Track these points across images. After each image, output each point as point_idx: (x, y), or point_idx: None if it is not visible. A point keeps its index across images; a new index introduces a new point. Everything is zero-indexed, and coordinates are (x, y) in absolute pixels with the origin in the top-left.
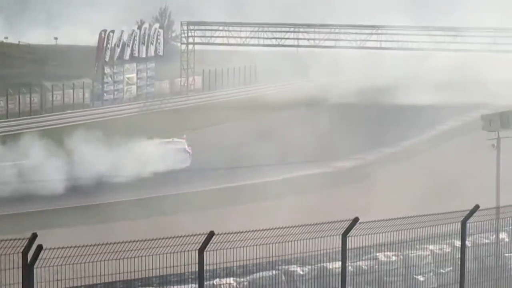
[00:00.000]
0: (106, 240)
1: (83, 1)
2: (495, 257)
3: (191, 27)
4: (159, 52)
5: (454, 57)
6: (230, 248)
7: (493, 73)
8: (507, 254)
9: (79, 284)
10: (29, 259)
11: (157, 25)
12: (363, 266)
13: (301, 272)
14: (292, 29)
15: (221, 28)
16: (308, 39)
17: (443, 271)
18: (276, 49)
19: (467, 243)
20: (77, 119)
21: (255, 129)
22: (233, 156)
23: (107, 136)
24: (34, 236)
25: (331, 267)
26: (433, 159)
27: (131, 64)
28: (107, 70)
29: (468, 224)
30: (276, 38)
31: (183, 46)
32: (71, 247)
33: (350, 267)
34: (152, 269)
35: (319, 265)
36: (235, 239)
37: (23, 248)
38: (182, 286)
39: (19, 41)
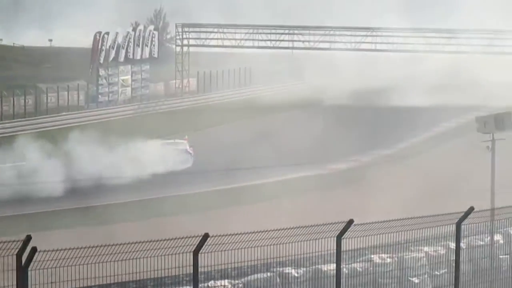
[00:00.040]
0: (105, 242)
1: (78, 3)
2: (490, 259)
3: (186, 29)
4: (154, 54)
5: (448, 59)
6: (225, 250)
7: (488, 75)
8: (501, 256)
9: (73, 286)
10: (23, 261)
11: (152, 27)
12: (358, 268)
13: (296, 274)
14: (287, 31)
15: (216, 30)
16: (303, 41)
17: (438, 273)
18: (271, 51)
19: (462, 245)
20: (72, 121)
21: (250, 131)
22: (228, 158)
23: (106, 138)
24: (29, 238)
25: (326, 269)
26: (428, 161)
27: (126, 66)
28: (102, 72)
29: (462, 226)
30: (271, 40)
31: (178, 48)
32: (65, 249)
33: (345, 269)
34: (147, 271)
35: (314, 267)
36: (230, 241)
37: (17, 250)
38: None
39: (13, 43)
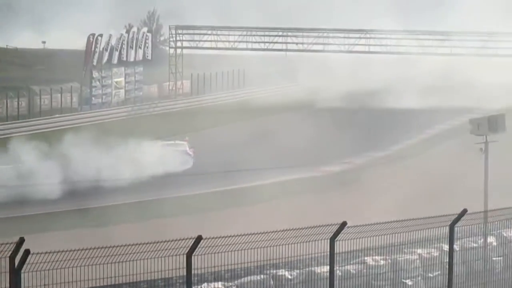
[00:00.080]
0: (102, 244)
1: (71, 5)
2: (483, 261)
3: (180, 31)
4: (147, 56)
5: (442, 61)
6: (218, 252)
7: (481, 77)
8: (495, 258)
9: None
10: (16, 264)
11: (145, 29)
12: (352, 270)
13: (290, 277)
14: (280, 33)
15: (209, 32)
16: (297, 43)
17: (431, 275)
18: (265, 53)
19: (455, 247)
20: (66, 123)
21: (244, 133)
22: (222, 160)
23: (102, 139)
24: (22, 240)
25: (319, 271)
26: (422, 163)
27: (119, 68)
28: (95, 74)
29: (456, 228)
30: (264, 42)
31: (172, 50)
32: (58, 251)
33: (338, 271)
34: (140, 273)
35: (307, 269)
36: (223, 244)
37: (10, 252)
38: None
39: (6, 45)
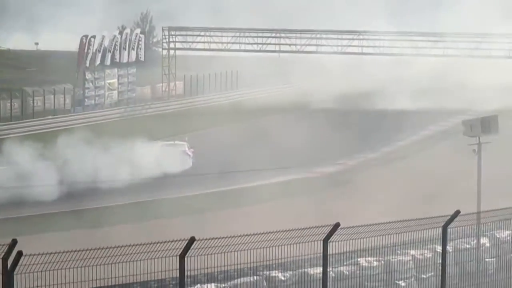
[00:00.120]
0: (98, 245)
1: (64, 6)
2: (476, 262)
3: (172, 33)
4: (140, 57)
5: (435, 63)
6: (211, 254)
7: (474, 78)
8: (487, 259)
9: None
10: (9, 265)
11: (138, 31)
12: (345, 272)
13: (283, 278)
14: (273, 34)
15: (202, 33)
16: (290, 44)
17: (425, 276)
18: (258, 54)
19: (448, 248)
20: (59, 125)
21: (237, 135)
22: (215, 161)
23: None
24: (14, 242)
25: (312, 272)
26: (415, 164)
27: (112, 69)
28: (88, 75)
29: (449, 229)
30: (257, 44)
31: (165, 52)
32: (51, 253)
33: (331, 273)
34: (133, 275)
35: (300, 270)
36: (216, 245)
37: (3, 254)
38: None
39: None
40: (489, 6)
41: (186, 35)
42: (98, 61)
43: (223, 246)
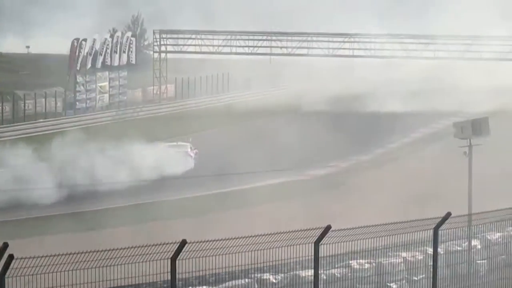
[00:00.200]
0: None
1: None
2: (467, 264)
3: (164, 35)
4: (131, 60)
5: (426, 65)
6: (203, 257)
7: (465, 80)
8: (479, 261)
9: None
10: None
11: (129, 34)
12: (336, 274)
13: (274, 280)
14: (264, 37)
15: (193, 36)
16: (281, 47)
17: (416, 279)
18: (249, 57)
19: (440, 250)
20: (50, 128)
21: (228, 137)
22: (207, 164)
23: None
24: (5, 245)
25: (304, 275)
26: (407, 166)
27: (104, 72)
28: (80, 78)
29: (440, 231)
30: (248, 46)
31: (156, 55)
32: (43, 256)
33: (323, 275)
34: (125, 278)
35: (292, 273)
36: (208, 248)
37: None
38: None
39: None
40: (480, 9)
41: (177, 38)
42: (89, 64)
43: (214, 248)
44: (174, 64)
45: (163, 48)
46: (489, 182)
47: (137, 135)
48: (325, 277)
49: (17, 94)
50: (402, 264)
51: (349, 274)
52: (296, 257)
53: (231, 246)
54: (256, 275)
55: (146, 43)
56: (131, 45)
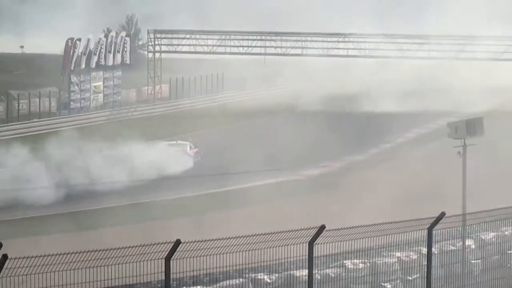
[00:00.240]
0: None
1: (49, 9)
2: (462, 264)
3: (158, 35)
4: (126, 60)
5: (421, 65)
6: (197, 256)
7: (460, 80)
8: (473, 261)
9: None
10: None
11: (123, 33)
12: (331, 274)
13: (269, 280)
14: (259, 37)
15: (188, 36)
16: (275, 47)
17: (410, 278)
18: (244, 57)
19: (434, 250)
20: (45, 128)
21: (223, 137)
22: (201, 164)
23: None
24: None
25: (298, 274)
26: (401, 166)
27: (98, 72)
28: (74, 78)
29: (434, 231)
30: (243, 46)
31: (150, 54)
32: (37, 256)
33: (317, 275)
34: (119, 278)
35: (286, 273)
36: (202, 247)
37: None
38: None
39: None
40: (474, 9)
41: (172, 38)
42: (83, 64)
43: (209, 248)
44: (169, 64)
45: (157, 48)
46: (483, 182)
47: (132, 135)
48: (319, 277)
49: (11, 94)
50: (396, 264)
51: (344, 274)
52: (290, 257)
53: (226, 246)
54: (250, 275)
55: (140, 43)
56: (125, 45)
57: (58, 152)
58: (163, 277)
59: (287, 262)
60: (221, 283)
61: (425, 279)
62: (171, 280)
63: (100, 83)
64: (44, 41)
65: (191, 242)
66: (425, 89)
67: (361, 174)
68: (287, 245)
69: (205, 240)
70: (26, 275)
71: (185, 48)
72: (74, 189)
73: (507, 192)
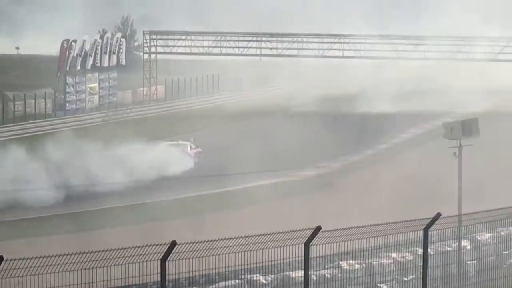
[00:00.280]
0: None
1: (45, 10)
2: (457, 264)
3: (154, 37)
4: (121, 61)
5: (417, 66)
6: (193, 258)
7: (456, 81)
8: (469, 262)
9: None
10: None
11: (119, 35)
12: (327, 275)
13: (264, 281)
14: (254, 38)
15: (183, 37)
16: (271, 48)
17: (406, 279)
18: (239, 58)
19: (430, 251)
20: (40, 129)
21: (219, 138)
22: (200, 165)
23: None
24: None
25: (294, 275)
26: (397, 167)
27: (93, 73)
28: (69, 80)
29: (430, 232)
30: (238, 47)
31: (146, 56)
32: (33, 257)
33: (313, 276)
34: (115, 279)
35: (282, 274)
36: (198, 249)
37: None
38: None
39: None
40: (470, 9)
41: (167, 39)
42: (79, 66)
43: (205, 249)
44: (164, 65)
45: (153, 49)
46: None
47: (130, 136)
48: (315, 278)
49: (7, 95)
50: (392, 265)
51: (339, 275)
52: (286, 258)
53: (222, 247)
54: (246, 276)
55: (136, 44)
56: (121, 46)
57: (55, 153)
58: (159, 279)
59: (283, 263)
60: (217, 284)
61: (421, 280)
62: (167, 281)
63: (96, 85)
64: (39, 42)
65: (187, 243)
66: (421, 89)
67: (358, 174)
68: (283, 246)
69: (201, 242)
70: (22, 276)
71: (181, 49)
72: (73, 190)
73: (503, 192)
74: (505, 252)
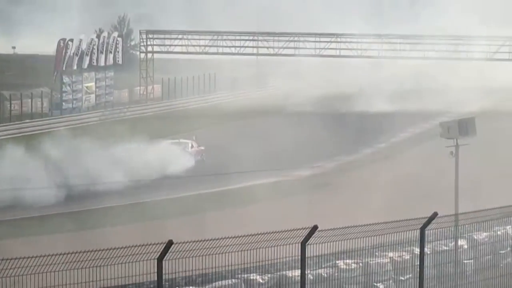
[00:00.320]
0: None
1: (41, 10)
2: (454, 264)
3: (150, 36)
4: (118, 60)
5: (414, 65)
6: (190, 257)
7: (453, 80)
8: (465, 261)
9: None
10: None
11: (116, 34)
12: (323, 274)
13: (261, 281)
14: (251, 37)
15: (180, 36)
16: (268, 47)
17: (403, 278)
18: (236, 57)
19: (426, 250)
20: (37, 128)
21: (215, 137)
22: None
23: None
24: None
25: (291, 275)
26: (394, 166)
27: (90, 73)
28: (66, 79)
29: (427, 231)
30: (235, 47)
31: (142, 55)
32: (30, 257)
33: (310, 275)
34: (111, 278)
35: (279, 273)
36: (195, 248)
37: None
38: None
39: None
40: (468, 9)
41: (164, 38)
42: (75, 65)
43: (201, 249)
44: (161, 65)
45: (149, 48)
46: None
47: (127, 135)
48: (312, 277)
49: (3, 95)
50: (389, 264)
51: (336, 274)
52: (283, 257)
53: (218, 247)
54: (243, 275)
55: (132, 43)
56: (117, 46)
57: (52, 152)
58: (155, 278)
59: (280, 262)
60: (214, 283)
61: (418, 279)
62: (163, 281)
63: (92, 84)
64: (36, 41)
65: (184, 242)
66: (419, 88)
67: (355, 174)
68: (280, 245)
69: (197, 241)
70: (19, 275)
71: (177, 49)
72: (70, 190)
73: (500, 192)
74: (501, 251)
